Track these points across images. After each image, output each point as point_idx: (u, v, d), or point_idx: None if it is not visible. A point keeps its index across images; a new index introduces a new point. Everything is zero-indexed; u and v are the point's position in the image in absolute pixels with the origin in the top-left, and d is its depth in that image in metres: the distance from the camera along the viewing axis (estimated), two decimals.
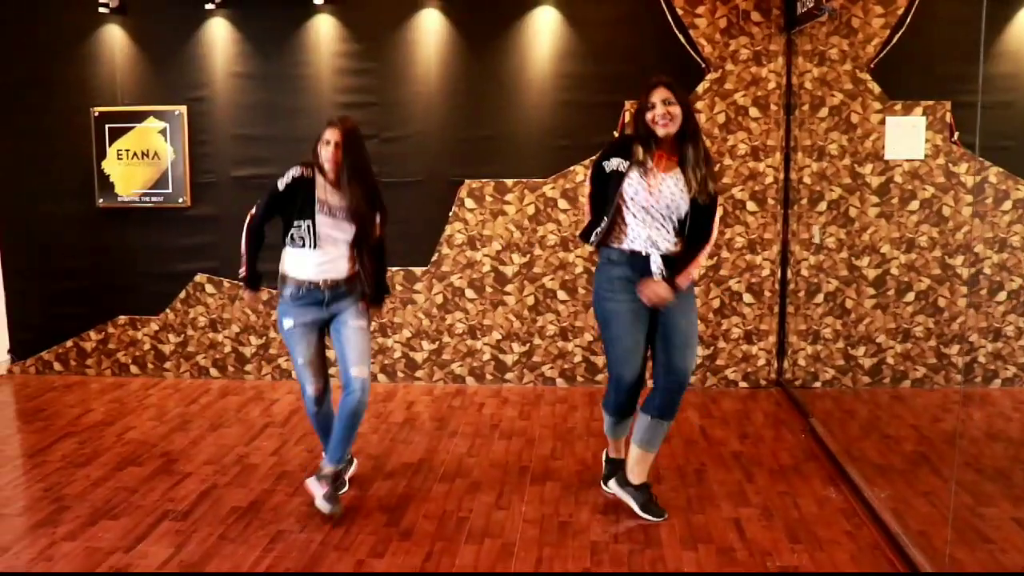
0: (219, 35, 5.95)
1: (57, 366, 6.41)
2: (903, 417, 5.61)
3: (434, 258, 5.98)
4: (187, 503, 4.16)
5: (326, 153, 3.96)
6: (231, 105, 6.00)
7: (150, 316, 6.27)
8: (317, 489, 3.97)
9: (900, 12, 5.40)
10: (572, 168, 5.78)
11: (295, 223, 3.98)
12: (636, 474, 4.01)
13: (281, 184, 3.98)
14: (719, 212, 3.88)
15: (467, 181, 5.88)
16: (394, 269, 5.97)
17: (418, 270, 5.99)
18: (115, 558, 3.63)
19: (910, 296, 5.62)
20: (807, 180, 5.61)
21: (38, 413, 5.55)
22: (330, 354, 4.30)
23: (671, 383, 3.88)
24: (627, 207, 3.79)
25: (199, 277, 6.19)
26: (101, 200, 6.15)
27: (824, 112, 5.54)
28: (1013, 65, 5.34)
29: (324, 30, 5.86)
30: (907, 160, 5.53)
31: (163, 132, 6.04)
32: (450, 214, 5.93)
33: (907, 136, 5.50)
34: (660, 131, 3.73)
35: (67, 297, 6.31)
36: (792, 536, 3.76)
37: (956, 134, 5.47)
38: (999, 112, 5.39)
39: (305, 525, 3.91)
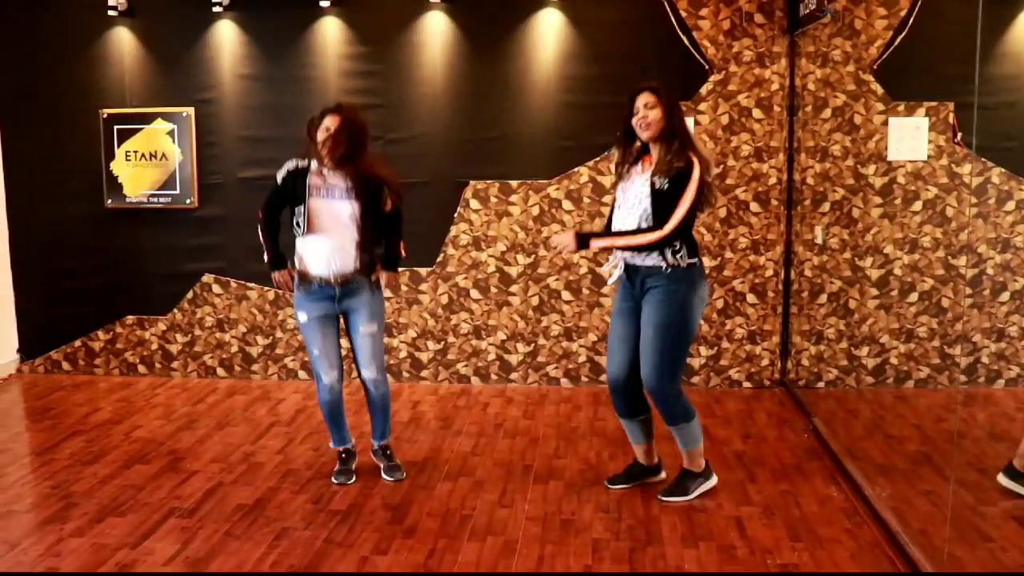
0: (226, 37, 6.00)
1: (65, 365, 6.46)
2: (906, 417, 5.62)
3: (439, 259, 6.01)
4: (193, 500, 4.20)
5: (325, 138, 4.10)
6: (238, 107, 6.05)
7: (158, 316, 6.32)
8: (382, 462, 4.46)
9: (903, 14, 5.41)
10: (576, 169, 5.82)
11: (295, 210, 4.16)
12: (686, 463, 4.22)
13: (279, 177, 4.20)
14: (680, 210, 3.78)
15: (472, 182, 5.92)
16: (400, 269, 5.99)
17: (423, 270, 6.02)
18: (122, 554, 3.67)
19: (913, 296, 5.63)
20: (810, 181, 5.63)
21: (47, 412, 5.60)
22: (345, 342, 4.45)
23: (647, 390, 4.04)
24: (616, 210, 4.05)
25: (206, 277, 6.24)
26: (110, 201, 6.21)
27: (827, 113, 5.56)
28: (1016, 66, 5.34)
29: (330, 32, 5.91)
30: (910, 161, 5.54)
31: (171, 133, 6.09)
32: (455, 215, 5.96)
33: (910, 137, 5.51)
34: (642, 135, 3.87)
35: (75, 297, 6.37)
36: (793, 534, 3.78)
37: (959, 135, 5.48)
38: (1002, 113, 5.39)
39: (310, 522, 3.95)
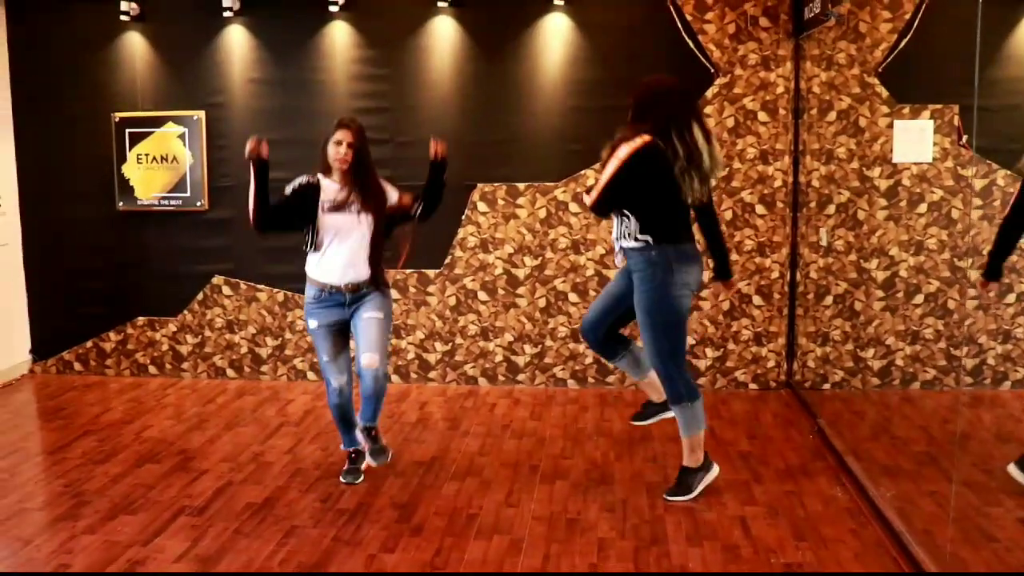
0: (237, 42, 6.06)
1: (77, 366, 6.53)
2: (912, 418, 5.63)
3: (447, 261, 6.06)
4: (203, 499, 4.25)
5: (336, 153, 4.13)
6: (248, 110, 6.10)
7: (168, 317, 6.38)
8: (362, 441, 4.29)
9: (907, 17, 5.43)
10: (583, 172, 5.85)
11: (307, 228, 4.21)
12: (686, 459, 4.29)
13: (288, 189, 4.23)
14: (601, 179, 3.95)
15: (479, 185, 5.96)
16: (408, 271, 6.05)
17: (431, 272, 6.07)
18: (133, 551, 3.72)
19: (919, 298, 5.65)
20: (816, 183, 5.65)
21: (59, 412, 5.66)
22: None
23: None
24: None
25: (216, 279, 6.29)
26: (121, 203, 6.27)
27: (832, 116, 5.59)
28: (1020, 68, 5.35)
29: (339, 36, 5.96)
30: (915, 163, 5.56)
31: (182, 137, 6.16)
32: (463, 217, 6.01)
33: (915, 140, 5.53)
34: None
35: (87, 298, 6.44)
36: (797, 534, 3.81)
37: (964, 137, 5.50)
38: (1006, 115, 5.39)
39: (318, 521, 4.00)
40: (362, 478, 4.44)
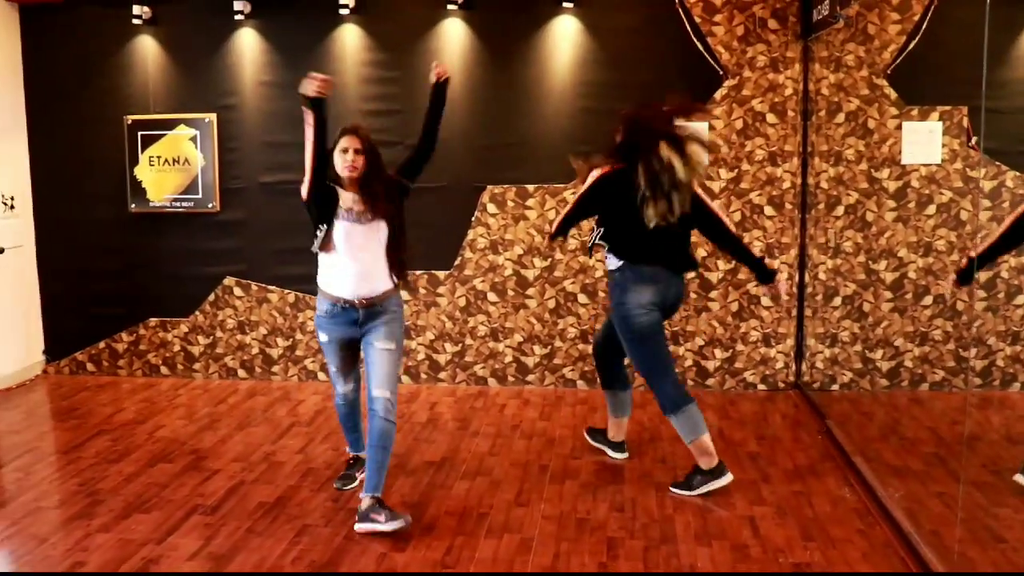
0: (248, 45, 6.11)
1: (90, 367, 6.58)
2: (920, 420, 5.64)
3: (457, 262, 6.09)
4: (216, 498, 4.29)
5: (344, 161, 3.99)
6: (259, 113, 6.15)
7: (180, 318, 6.42)
8: (373, 524, 3.86)
9: (916, 19, 5.45)
10: (592, 174, 5.86)
11: (318, 226, 4.04)
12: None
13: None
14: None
15: (489, 186, 6.00)
16: (418, 272, 6.09)
17: (441, 274, 6.10)
18: (147, 549, 3.76)
19: (928, 300, 5.66)
20: (824, 185, 5.67)
21: (72, 412, 5.71)
22: None
23: None
24: None
25: (228, 280, 6.34)
26: (133, 205, 6.32)
27: (841, 118, 5.60)
28: None
29: (350, 39, 6.00)
30: (924, 165, 5.57)
31: (194, 139, 6.20)
32: (472, 219, 6.04)
33: (924, 141, 5.54)
34: None
35: (100, 300, 6.49)
36: (805, 534, 3.83)
37: (973, 139, 5.51)
38: (1016, 117, 5.40)
39: (330, 520, 4.03)
40: (355, 483, 4.41)
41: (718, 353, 5.95)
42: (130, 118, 6.25)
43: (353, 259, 3.99)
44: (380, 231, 4.01)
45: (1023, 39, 5.33)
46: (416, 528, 3.93)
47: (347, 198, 4.01)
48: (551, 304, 6.03)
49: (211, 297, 6.37)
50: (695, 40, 5.72)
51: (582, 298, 6.00)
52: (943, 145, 5.55)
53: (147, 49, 6.20)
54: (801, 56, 5.67)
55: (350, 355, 4.22)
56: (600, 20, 5.79)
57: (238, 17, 5.99)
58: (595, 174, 4.25)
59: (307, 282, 6.17)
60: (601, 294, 5.96)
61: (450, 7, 5.82)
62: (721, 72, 5.74)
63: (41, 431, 5.40)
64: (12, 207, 6.30)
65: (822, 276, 5.73)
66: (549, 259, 5.99)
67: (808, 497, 4.21)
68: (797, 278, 5.84)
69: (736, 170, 5.78)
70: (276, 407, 5.75)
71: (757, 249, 5.78)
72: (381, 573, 3.58)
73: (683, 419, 4.23)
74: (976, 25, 5.20)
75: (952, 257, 5.61)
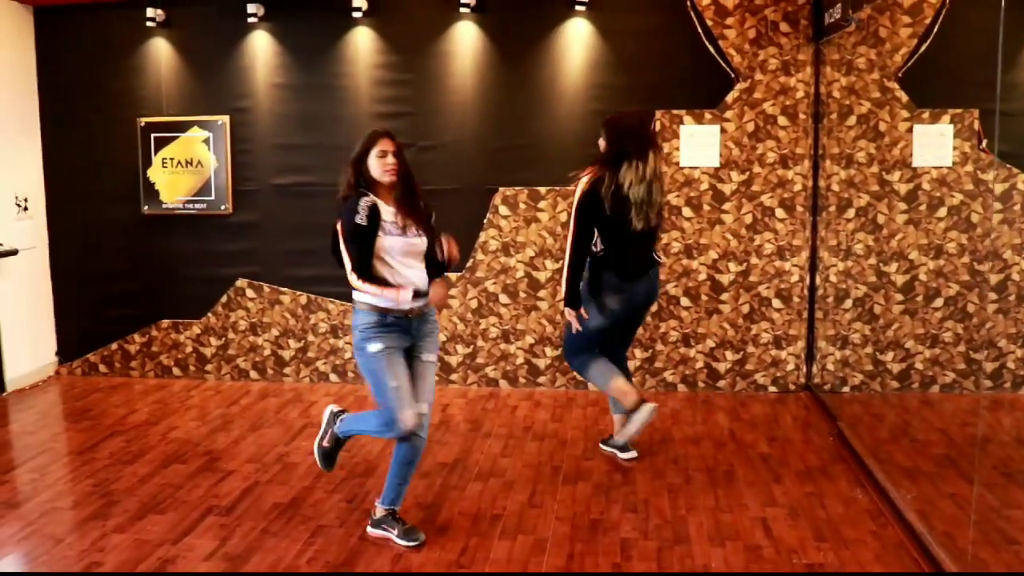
0: (261, 47, 6.14)
1: (102, 368, 6.61)
2: (931, 421, 5.65)
3: (469, 264, 6.11)
4: (230, 499, 4.31)
5: (384, 165, 3.76)
6: (272, 115, 6.18)
7: (192, 320, 6.45)
8: (385, 532, 3.87)
9: (927, 22, 5.46)
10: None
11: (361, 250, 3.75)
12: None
13: (362, 219, 3.66)
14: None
15: (501, 189, 6.02)
16: None
17: (453, 275, 6.12)
18: (163, 550, 3.79)
19: (939, 302, 5.67)
20: (835, 187, 5.68)
21: (85, 413, 5.74)
22: None
23: None
24: None
25: (240, 282, 6.37)
26: (146, 207, 6.36)
27: (852, 120, 5.61)
28: None
29: (363, 42, 6.03)
30: (935, 167, 5.58)
31: (206, 141, 6.23)
32: (484, 221, 6.06)
33: (935, 144, 5.55)
34: None
35: (112, 301, 6.52)
36: (818, 535, 3.84)
37: (984, 141, 5.52)
38: None
39: (344, 521, 4.05)
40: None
41: (729, 355, 5.96)
42: (143, 120, 6.29)
43: (404, 272, 3.79)
44: (423, 239, 3.85)
45: None
46: (430, 529, 3.95)
47: (389, 211, 3.77)
48: (562, 306, 6.03)
49: (223, 299, 6.40)
50: (707, 43, 5.74)
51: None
52: (954, 148, 5.55)
53: (160, 51, 6.24)
54: (813, 59, 5.69)
55: (407, 364, 3.85)
56: (612, 23, 5.81)
57: (251, 19, 6.02)
58: (577, 194, 4.48)
59: (319, 284, 6.22)
60: None
61: (462, 10, 5.84)
62: (733, 75, 5.76)
63: (55, 432, 5.43)
64: (25, 209, 6.34)
65: (833, 278, 5.74)
66: (560, 261, 6.01)
67: (820, 498, 4.22)
68: (808, 280, 5.85)
69: (748, 172, 5.79)
70: (288, 408, 5.78)
71: (768, 251, 5.81)
72: (397, 573, 3.60)
73: (587, 376, 4.80)
74: (987, 28, 5.22)
75: (963, 260, 5.62)
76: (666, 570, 3.58)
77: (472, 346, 6.17)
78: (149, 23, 6.11)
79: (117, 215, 6.42)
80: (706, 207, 5.86)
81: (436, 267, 3.94)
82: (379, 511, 3.92)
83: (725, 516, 4.05)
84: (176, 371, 6.52)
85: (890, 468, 4.41)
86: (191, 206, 6.32)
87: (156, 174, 6.32)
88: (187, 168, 6.28)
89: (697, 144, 5.81)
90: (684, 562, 3.63)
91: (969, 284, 5.64)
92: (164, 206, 6.34)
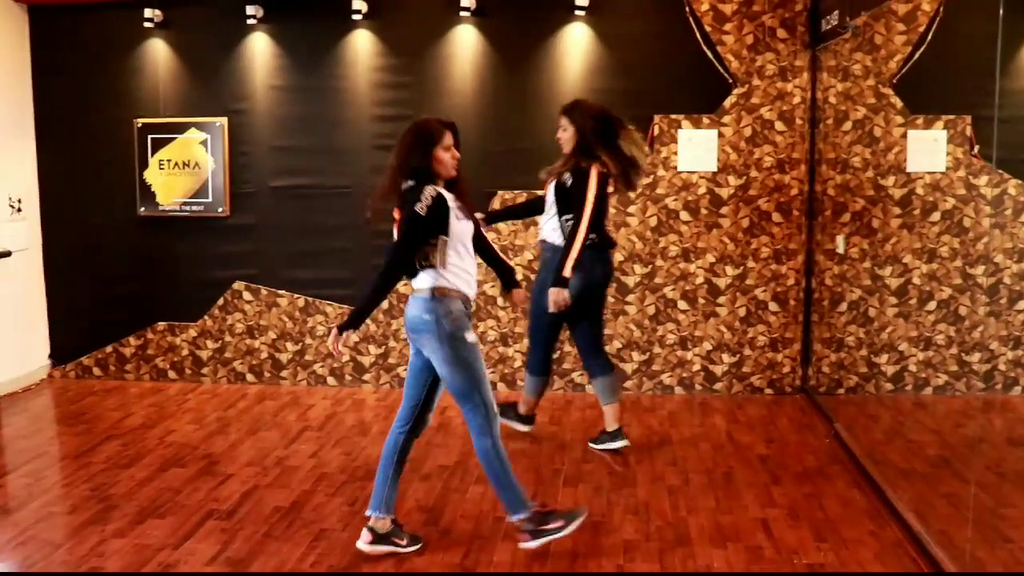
0: (259, 49, 6.14)
1: (96, 371, 6.58)
2: (925, 423, 5.72)
3: None
4: (231, 503, 4.31)
5: (453, 156, 3.70)
6: (270, 117, 6.18)
7: (189, 323, 6.44)
8: (395, 545, 3.82)
9: (921, 29, 5.52)
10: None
11: (429, 242, 3.62)
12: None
13: (423, 208, 3.51)
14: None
15: (500, 192, 6.03)
16: None
17: None
18: (164, 554, 3.78)
19: (932, 305, 5.72)
20: (831, 192, 5.73)
21: (80, 416, 5.71)
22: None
23: None
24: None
25: (237, 284, 6.36)
26: (143, 209, 6.34)
27: (848, 126, 5.66)
28: None
29: (362, 45, 6.04)
30: (928, 173, 5.64)
31: (204, 143, 6.22)
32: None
33: (928, 149, 5.62)
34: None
35: (107, 304, 6.50)
36: (818, 535, 3.88)
37: (976, 147, 5.58)
38: (1018, 126, 5.47)
39: (347, 524, 4.06)
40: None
41: (726, 358, 6.00)
42: (140, 121, 6.27)
43: (469, 258, 3.74)
44: (474, 228, 3.81)
45: (1022, 51, 5.41)
46: (433, 532, 3.96)
47: (450, 197, 3.66)
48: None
49: (220, 301, 6.38)
50: (705, 48, 5.78)
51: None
52: (947, 153, 5.62)
53: (158, 52, 6.22)
54: (809, 65, 5.74)
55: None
56: (611, 28, 5.85)
57: (250, 21, 6.01)
58: (595, 183, 4.59)
59: (317, 286, 6.23)
60: (611, 299, 5.99)
61: (462, 13, 5.85)
62: (730, 80, 5.80)
63: (49, 436, 5.41)
64: (19, 210, 6.31)
65: (828, 282, 5.79)
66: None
67: (819, 499, 4.26)
68: (804, 283, 5.90)
69: (744, 177, 5.84)
70: (286, 412, 5.77)
71: (764, 254, 5.86)
72: (402, 574, 3.62)
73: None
74: (980, 36, 5.29)
75: (955, 263, 5.68)
76: (669, 571, 3.61)
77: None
78: (147, 23, 6.08)
79: (113, 217, 6.39)
80: (704, 211, 5.90)
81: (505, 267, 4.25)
82: (385, 523, 3.84)
83: (725, 517, 4.09)
84: (172, 374, 6.50)
85: (886, 469, 4.46)
86: (188, 208, 6.30)
87: (153, 176, 6.31)
88: (184, 170, 6.27)
89: (695, 148, 5.85)
90: (686, 563, 3.67)
91: (961, 287, 5.70)
92: (161, 208, 6.33)
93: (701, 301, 5.97)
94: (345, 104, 6.08)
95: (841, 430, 5.05)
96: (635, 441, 5.11)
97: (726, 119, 5.82)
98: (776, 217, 5.86)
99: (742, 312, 5.96)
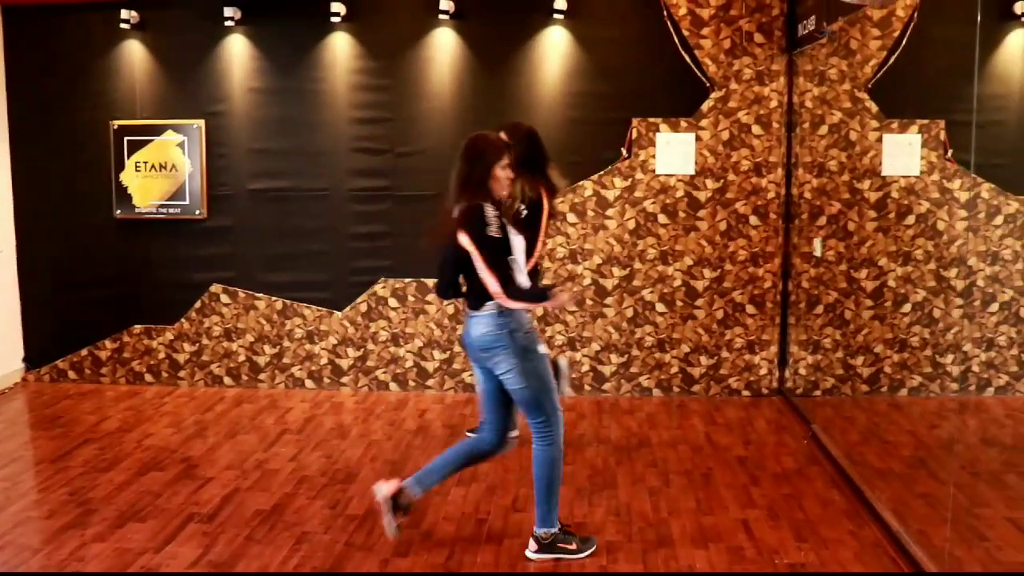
0: (237, 51, 6.11)
1: (71, 374, 6.52)
2: (900, 424, 5.78)
3: None
4: (211, 506, 4.28)
5: (508, 175, 3.66)
6: (248, 119, 6.15)
7: (165, 325, 6.39)
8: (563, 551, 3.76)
9: (896, 34, 5.59)
10: (581, 183, 5.94)
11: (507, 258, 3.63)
12: None
13: (495, 230, 3.51)
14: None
15: None
16: (407, 280, 6.12)
17: (430, 281, 6.10)
18: (146, 558, 3.75)
19: (906, 307, 5.79)
20: (808, 195, 5.79)
21: (55, 420, 5.65)
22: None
23: None
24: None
25: (214, 287, 6.32)
26: (119, 211, 6.28)
27: (824, 130, 5.73)
28: (1003, 86, 5.52)
29: (340, 47, 6.03)
30: (903, 176, 5.72)
31: (181, 145, 6.18)
32: None
33: (903, 153, 5.69)
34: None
35: (83, 306, 6.44)
36: (798, 535, 3.92)
37: (950, 151, 5.66)
38: (990, 130, 5.56)
39: (329, 527, 4.05)
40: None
41: (703, 360, 6.05)
42: (116, 123, 6.23)
43: (523, 268, 3.77)
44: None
45: (996, 56, 5.50)
46: (416, 534, 3.96)
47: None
48: (538, 311, 6.07)
49: (197, 304, 6.34)
50: (683, 52, 5.83)
51: (570, 306, 6.05)
52: (922, 157, 5.69)
53: (135, 54, 6.18)
54: (786, 69, 5.80)
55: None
56: (590, 32, 5.88)
57: (228, 23, 5.98)
58: (548, 204, 4.78)
59: (295, 289, 6.21)
60: (589, 302, 6.03)
61: (441, 16, 5.86)
62: (708, 84, 5.85)
63: (25, 440, 5.36)
64: None
65: (805, 284, 5.85)
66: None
67: (798, 500, 4.30)
68: (781, 286, 5.96)
69: (722, 180, 5.89)
70: (264, 415, 5.74)
71: (742, 257, 5.92)
72: (389, 574, 3.62)
73: None
74: (953, 42, 5.38)
75: (930, 266, 5.76)
76: (652, 571, 3.63)
77: (449, 352, 6.18)
78: (123, 25, 6.04)
79: (88, 219, 6.34)
80: (681, 214, 5.94)
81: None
82: (549, 532, 3.77)
83: (707, 518, 4.12)
84: (148, 377, 6.45)
85: (864, 470, 4.51)
86: (165, 211, 6.26)
87: (129, 178, 6.26)
88: (161, 172, 6.23)
89: (673, 152, 5.90)
90: (669, 564, 3.69)
91: (935, 290, 5.78)
92: (137, 210, 6.28)
93: (679, 304, 6.01)
94: (323, 106, 6.07)
95: (818, 431, 5.10)
96: (615, 443, 5.14)
97: (704, 123, 5.87)
98: (753, 220, 5.91)
99: (719, 315, 6.00)
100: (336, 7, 5.86)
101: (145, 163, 6.23)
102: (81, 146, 6.29)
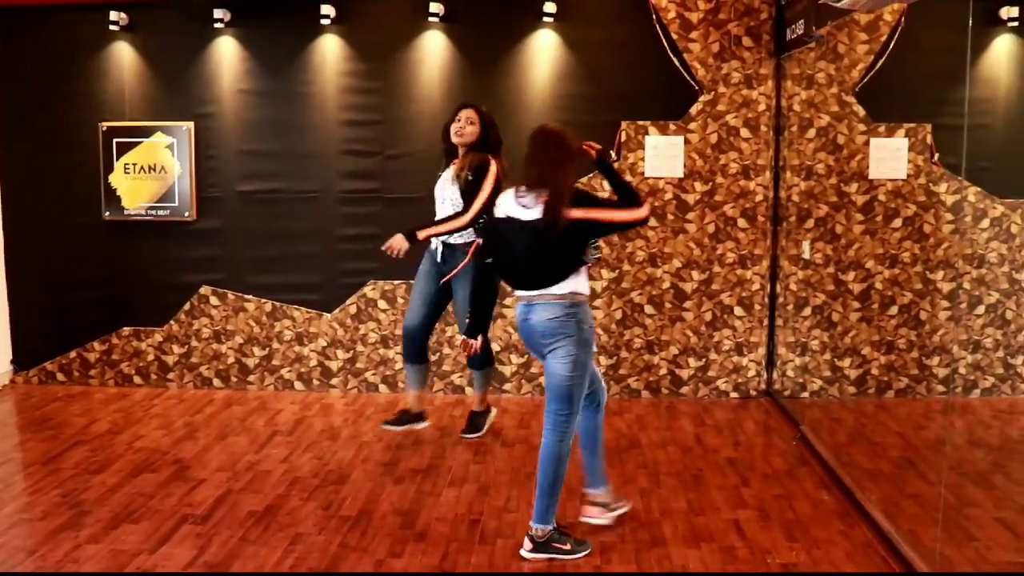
0: (227, 53, 6.10)
1: (60, 376, 6.48)
2: (888, 425, 5.83)
3: None
4: (205, 507, 4.28)
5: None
6: (238, 121, 6.14)
7: (154, 327, 6.37)
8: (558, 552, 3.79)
9: (883, 39, 5.65)
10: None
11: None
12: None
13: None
14: (480, 196, 4.81)
15: None
16: (397, 282, 6.13)
17: None
18: (140, 559, 3.75)
19: (893, 310, 5.85)
20: (795, 198, 5.83)
21: (45, 422, 5.63)
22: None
23: None
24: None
25: (204, 289, 6.30)
26: (107, 213, 6.26)
27: (812, 133, 5.78)
28: (989, 90, 5.59)
29: (330, 49, 6.03)
30: (890, 180, 5.77)
31: (170, 147, 6.17)
32: None
33: (890, 157, 5.75)
34: (455, 140, 4.90)
35: (71, 308, 6.40)
36: (789, 535, 3.95)
37: (936, 155, 5.72)
38: (976, 134, 5.62)
39: (323, 528, 4.05)
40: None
41: (692, 362, 6.08)
42: (105, 124, 6.20)
43: None
44: None
45: (982, 61, 5.57)
46: (410, 535, 3.97)
47: None
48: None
49: (187, 306, 6.32)
50: (672, 56, 5.87)
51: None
52: (908, 161, 5.75)
53: (124, 55, 6.16)
54: (774, 73, 5.85)
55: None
56: (579, 35, 5.91)
57: (217, 25, 5.97)
58: (494, 166, 4.88)
59: (284, 291, 6.21)
60: None
61: (431, 19, 5.87)
62: (696, 87, 5.89)
63: (15, 442, 5.33)
64: None
65: (793, 287, 5.89)
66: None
67: (789, 500, 4.34)
68: (769, 288, 6.00)
69: (710, 183, 5.93)
70: (254, 417, 5.74)
71: (730, 259, 5.96)
72: (385, 574, 3.63)
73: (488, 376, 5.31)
74: (939, 47, 5.43)
75: (916, 269, 5.82)
76: (645, 571, 3.66)
77: (438, 354, 6.19)
78: (112, 26, 6.01)
79: (77, 221, 6.31)
80: (670, 216, 5.98)
81: (604, 170, 4.15)
82: (545, 530, 3.80)
83: (698, 519, 4.15)
84: (137, 379, 6.42)
85: (853, 470, 4.55)
86: (154, 212, 6.24)
87: (118, 180, 6.24)
88: (150, 174, 6.21)
89: (661, 155, 5.93)
90: (662, 563, 3.72)
91: (922, 292, 5.83)
92: (126, 212, 6.26)
93: (667, 306, 6.04)
94: (313, 109, 6.07)
95: (807, 432, 5.14)
96: (606, 445, 5.12)
97: (692, 126, 5.91)
98: (742, 223, 5.96)
99: (708, 316, 6.04)
100: (326, 9, 5.87)
101: (134, 165, 6.21)
102: (70, 148, 6.26)
